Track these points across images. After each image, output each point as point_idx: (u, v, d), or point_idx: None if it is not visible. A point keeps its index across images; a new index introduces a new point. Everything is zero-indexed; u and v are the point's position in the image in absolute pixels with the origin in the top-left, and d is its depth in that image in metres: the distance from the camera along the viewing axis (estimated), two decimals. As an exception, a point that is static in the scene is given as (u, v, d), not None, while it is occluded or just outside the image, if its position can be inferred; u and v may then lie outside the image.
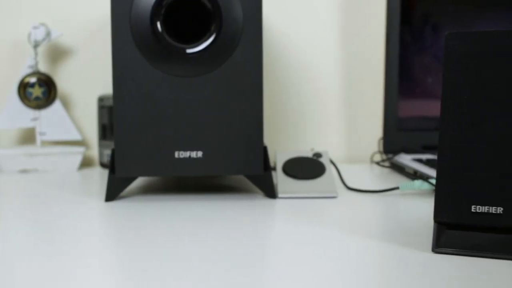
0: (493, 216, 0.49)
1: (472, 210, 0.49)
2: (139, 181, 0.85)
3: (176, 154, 0.71)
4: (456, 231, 0.51)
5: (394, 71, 0.99)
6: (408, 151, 1.00)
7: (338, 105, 1.11)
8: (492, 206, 0.49)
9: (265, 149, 0.73)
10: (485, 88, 0.50)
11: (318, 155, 0.82)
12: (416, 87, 1.01)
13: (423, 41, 1.01)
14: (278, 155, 0.83)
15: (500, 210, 0.49)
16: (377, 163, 1.03)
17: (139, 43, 0.69)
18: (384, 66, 0.99)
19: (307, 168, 0.79)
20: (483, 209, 0.49)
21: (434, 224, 0.51)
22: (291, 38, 1.08)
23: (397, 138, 1.01)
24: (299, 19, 1.08)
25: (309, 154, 0.83)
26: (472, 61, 0.51)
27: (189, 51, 0.69)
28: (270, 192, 0.74)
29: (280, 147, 1.10)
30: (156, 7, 0.68)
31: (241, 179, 0.87)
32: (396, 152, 1.01)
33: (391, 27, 0.99)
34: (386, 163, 1.02)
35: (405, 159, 0.95)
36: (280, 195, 0.74)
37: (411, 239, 0.56)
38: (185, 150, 0.71)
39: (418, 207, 0.69)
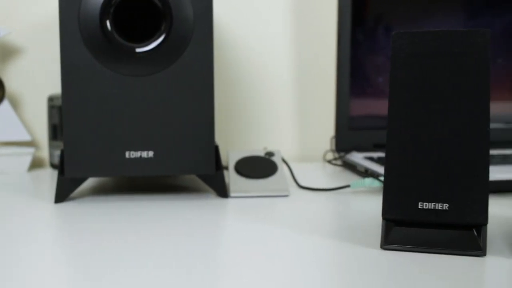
0: (440, 213, 0.50)
1: (419, 207, 0.50)
2: (90, 182, 0.84)
3: (127, 154, 0.70)
4: (404, 228, 0.51)
5: (346, 71, 1.00)
6: (359, 149, 1.02)
7: (290, 104, 1.11)
8: (438, 202, 0.50)
9: (216, 149, 0.73)
10: (431, 87, 0.51)
11: (270, 154, 0.83)
12: (367, 87, 1.03)
13: (375, 41, 1.02)
14: (231, 154, 0.82)
15: (446, 206, 0.50)
16: (329, 161, 1.04)
17: (88, 42, 0.68)
18: (336, 66, 1.00)
19: (259, 167, 0.80)
20: (430, 205, 0.50)
21: (383, 221, 0.52)
22: (243, 37, 1.08)
23: (349, 136, 1.02)
24: (250, 18, 1.08)
25: (262, 153, 0.83)
26: (418, 61, 0.52)
27: (138, 50, 0.68)
28: (222, 191, 0.74)
29: (233, 146, 1.10)
30: (105, 5, 0.67)
31: (193, 179, 0.87)
32: (348, 150, 1.02)
33: (343, 27, 1.00)
34: (338, 162, 1.03)
35: (357, 157, 0.96)
36: (232, 194, 0.74)
37: (361, 236, 0.56)
38: (136, 150, 0.70)
39: (369, 205, 0.70)
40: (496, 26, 1.06)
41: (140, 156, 0.70)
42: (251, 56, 1.09)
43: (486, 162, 0.49)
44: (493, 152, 1.02)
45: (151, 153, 0.70)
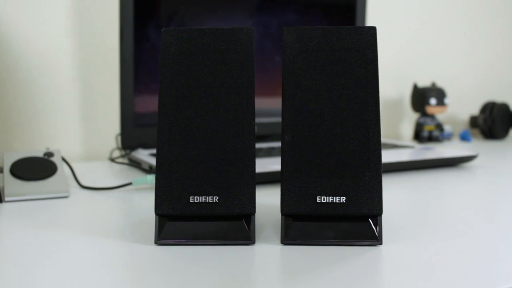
0: (210, 205, 0.51)
1: (191, 201, 0.51)
2: None
3: None
4: (177, 222, 0.52)
5: (129, 67, 0.99)
6: (145, 146, 1.01)
7: (74, 102, 1.08)
8: (209, 195, 0.51)
9: (-13, 151, 0.69)
10: (199, 83, 0.53)
11: (49, 154, 0.79)
12: (151, 83, 1.03)
13: (159, 37, 1.02)
14: (6, 156, 0.78)
15: (216, 199, 0.51)
16: (112, 159, 1.02)
17: None
18: (119, 62, 0.98)
19: (37, 168, 0.76)
20: (201, 199, 0.51)
21: (156, 217, 0.52)
22: (19, 29, 1.03)
23: (134, 133, 1.01)
24: (28, 9, 1.03)
25: (40, 154, 0.79)
26: (186, 57, 0.53)
27: None
28: (-5, 196, 0.70)
29: (10, 147, 1.04)
30: None
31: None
32: (134, 147, 1.01)
33: (125, 22, 0.98)
34: (125, 159, 1.02)
35: (142, 154, 0.96)
36: (7, 198, 0.70)
37: (139, 233, 0.56)
38: None
39: (151, 201, 0.70)
40: (274, 25, 1.12)
41: None
42: (29, 50, 1.04)
43: (252, 154, 0.52)
44: (272, 145, 1.08)
45: None
